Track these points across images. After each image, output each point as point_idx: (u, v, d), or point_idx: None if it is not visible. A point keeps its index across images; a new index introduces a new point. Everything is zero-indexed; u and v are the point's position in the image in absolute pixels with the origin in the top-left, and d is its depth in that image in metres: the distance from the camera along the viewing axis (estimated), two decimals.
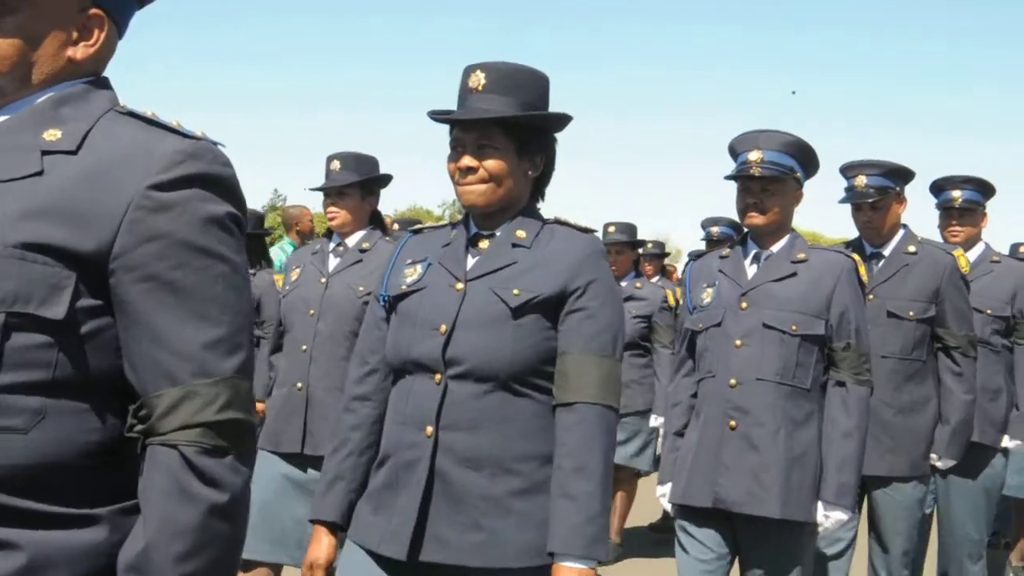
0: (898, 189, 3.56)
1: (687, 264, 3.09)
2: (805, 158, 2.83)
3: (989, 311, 3.99)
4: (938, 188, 4.17)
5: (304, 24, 72.13)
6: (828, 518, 2.65)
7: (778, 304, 2.71)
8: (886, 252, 3.58)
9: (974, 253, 4.12)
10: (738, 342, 2.71)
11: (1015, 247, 5.24)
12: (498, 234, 1.99)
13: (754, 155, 2.75)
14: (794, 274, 2.74)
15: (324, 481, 2.02)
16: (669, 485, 2.87)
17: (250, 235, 4.13)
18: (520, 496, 1.86)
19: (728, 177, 2.82)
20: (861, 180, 3.54)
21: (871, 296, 3.49)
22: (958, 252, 3.57)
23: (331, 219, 3.32)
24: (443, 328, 1.89)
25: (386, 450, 1.96)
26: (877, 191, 3.50)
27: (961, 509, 3.90)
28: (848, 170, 3.60)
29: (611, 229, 5.25)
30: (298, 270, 3.38)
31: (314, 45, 70.35)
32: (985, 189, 4.13)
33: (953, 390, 3.46)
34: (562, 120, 2.02)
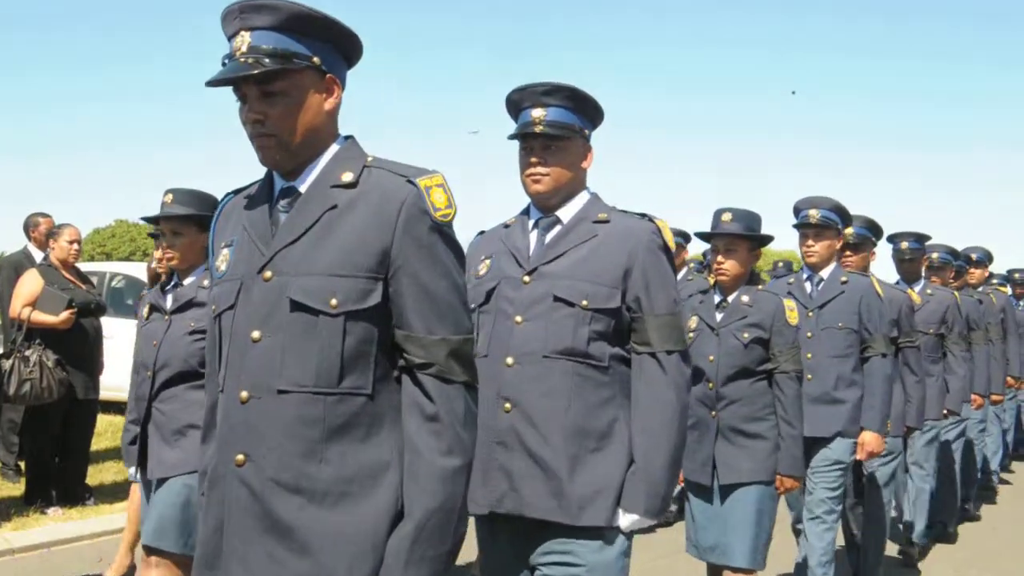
0: (315, 59, 1.78)
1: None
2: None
3: (585, 302, 2.42)
4: (514, 105, 2.66)
5: None
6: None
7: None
8: (302, 187, 1.82)
9: (570, 210, 2.57)
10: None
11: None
12: None
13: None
14: None
15: None
16: None
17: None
18: None
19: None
20: (244, 40, 1.75)
21: (268, 273, 1.76)
22: (428, 179, 1.78)
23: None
24: None
25: None
26: (272, 57, 1.73)
27: None
28: (227, 20, 1.80)
29: None
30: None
31: None
32: (585, 110, 2.62)
33: (423, 451, 1.73)
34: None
